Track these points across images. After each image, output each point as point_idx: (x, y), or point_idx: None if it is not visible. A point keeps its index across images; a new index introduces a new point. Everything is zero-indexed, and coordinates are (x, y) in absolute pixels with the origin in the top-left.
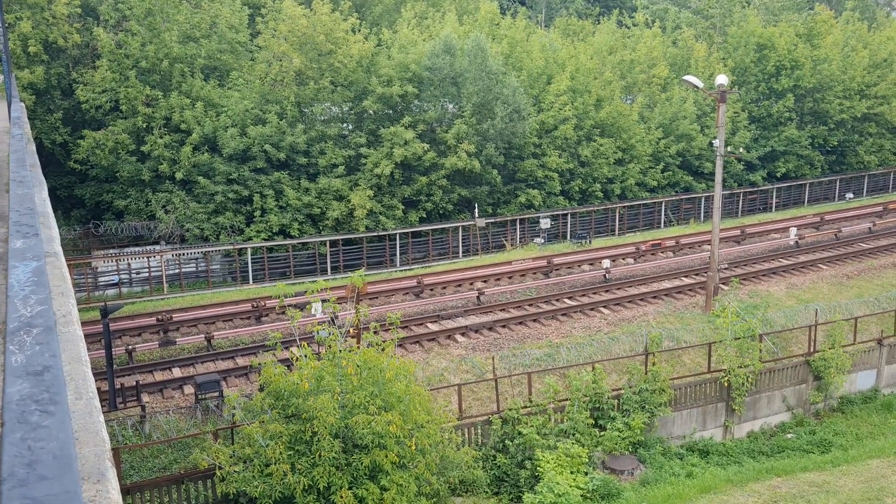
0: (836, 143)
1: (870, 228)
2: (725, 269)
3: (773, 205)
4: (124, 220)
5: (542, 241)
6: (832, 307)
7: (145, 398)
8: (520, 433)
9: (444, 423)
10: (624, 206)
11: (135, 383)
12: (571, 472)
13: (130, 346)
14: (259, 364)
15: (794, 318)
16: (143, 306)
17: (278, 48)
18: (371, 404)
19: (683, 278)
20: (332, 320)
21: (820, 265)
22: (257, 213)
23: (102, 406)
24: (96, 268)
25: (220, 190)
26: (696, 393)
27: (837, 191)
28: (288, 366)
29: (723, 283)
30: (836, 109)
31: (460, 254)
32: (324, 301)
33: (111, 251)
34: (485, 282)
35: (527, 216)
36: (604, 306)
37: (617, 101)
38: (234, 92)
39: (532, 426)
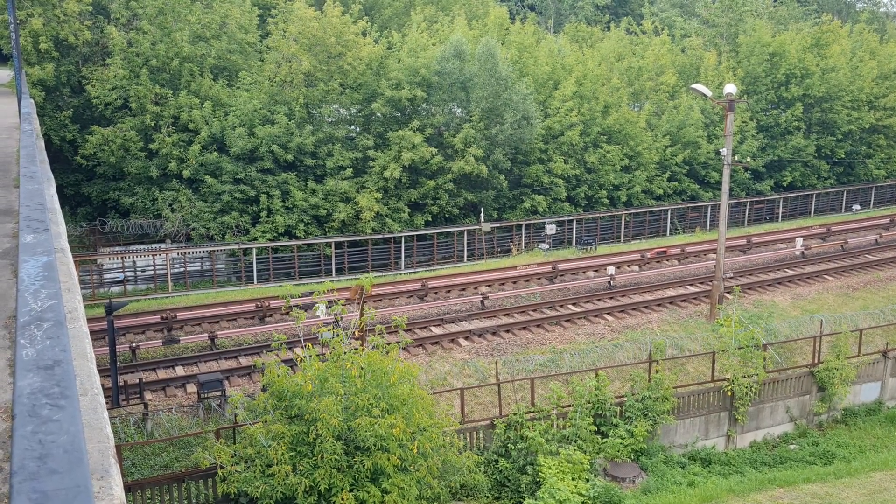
0: (843, 155)
1: (876, 240)
2: (731, 278)
3: (780, 214)
4: (130, 217)
5: (547, 246)
6: (837, 318)
7: (148, 396)
8: (522, 438)
9: (446, 426)
10: (630, 214)
11: (138, 381)
12: (573, 479)
13: (134, 344)
14: (262, 364)
15: (798, 329)
16: (148, 304)
17: (288, 49)
18: (374, 407)
19: (688, 286)
20: (337, 322)
21: (826, 276)
22: (263, 213)
23: (106, 403)
24: (102, 265)
25: (226, 189)
26: (699, 402)
27: (844, 202)
28: (292, 367)
29: (728, 292)
30: (843, 120)
31: (465, 258)
32: (330, 303)
33: (117, 249)
34: (489, 286)
35: (532, 221)
36: (608, 313)
37: (624, 108)
38: (243, 92)
39: (535, 431)
